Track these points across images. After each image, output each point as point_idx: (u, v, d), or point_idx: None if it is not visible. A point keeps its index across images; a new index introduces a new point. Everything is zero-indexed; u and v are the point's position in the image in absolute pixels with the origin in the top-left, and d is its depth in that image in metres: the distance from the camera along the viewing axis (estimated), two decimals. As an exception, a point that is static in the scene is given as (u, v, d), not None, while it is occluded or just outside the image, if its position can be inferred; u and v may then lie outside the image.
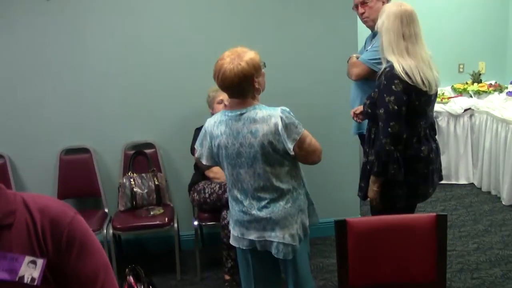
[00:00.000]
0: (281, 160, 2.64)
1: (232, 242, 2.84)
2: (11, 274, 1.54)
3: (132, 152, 4.18)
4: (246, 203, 2.68)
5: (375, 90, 2.87)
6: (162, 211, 3.95)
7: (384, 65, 2.86)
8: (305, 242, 2.84)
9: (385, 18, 2.81)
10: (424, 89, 2.75)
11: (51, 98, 4.08)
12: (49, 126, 4.11)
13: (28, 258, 1.57)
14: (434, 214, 2.29)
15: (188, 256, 4.18)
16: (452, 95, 5.76)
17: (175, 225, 3.91)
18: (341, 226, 2.29)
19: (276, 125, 2.55)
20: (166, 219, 3.86)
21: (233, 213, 2.76)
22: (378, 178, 2.87)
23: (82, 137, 4.15)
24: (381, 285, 2.31)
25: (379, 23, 2.87)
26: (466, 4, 5.96)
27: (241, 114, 2.59)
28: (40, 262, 1.57)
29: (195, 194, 3.86)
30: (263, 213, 2.65)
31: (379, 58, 3.34)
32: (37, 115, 4.09)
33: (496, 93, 5.68)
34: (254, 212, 2.66)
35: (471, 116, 5.50)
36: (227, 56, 2.56)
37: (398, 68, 2.71)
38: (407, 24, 2.77)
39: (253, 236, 2.70)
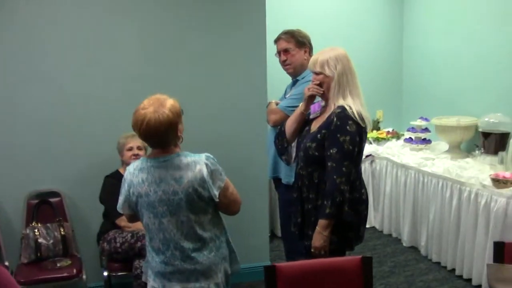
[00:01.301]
0: (205, 208, 2.60)
1: None
2: None
3: (36, 201, 3.95)
4: (168, 253, 2.58)
5: (322, 132, 2.81)
6: (69, 262, 3.74)
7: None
8: None
9: (336, 61, 2.80)
10: (368, 130, 2.83)
11: None
12: None
13: None
14: (360, 257, 2.36)
15: (96, 308, 3.98)
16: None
17: (84, 276, 3.72)
18: (270, 271, 2.29)
19: (201, 171, 2.52)
20: (75, 270, 3.66)
21: (153, 264, 2.64)
22: (330, 221, 2.73)
23: (-19, 184, 3.89)
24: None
25: (329, 69, 2.81)
26: (365, 56, 6.31)
27: (164, 161, 2.54)
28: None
29: (105, 243, 3.72)
30: (187, 264, 2.58)
31: (297, 106, 3.45)
32: None
33: (394, 139, 6.01)
34: (177, 262, 2.58)
35: (371, 162, 5.75)
36: (149, 105, 2.48)
37: (349, 110, 2.73)
38: (352, 63, 2.85)
39: (176, 287, 2.62)
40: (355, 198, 2.85)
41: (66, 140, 3.99)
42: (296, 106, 3.45)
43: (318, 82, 2.87)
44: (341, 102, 2.79)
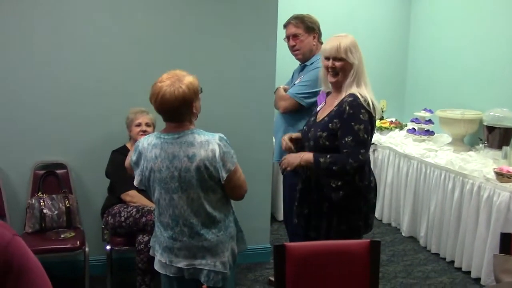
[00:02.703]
0: (215, 187, 2.62)
1: (158, 268, 2.75)
2: None
3: (42, 172, 3.97)
4: (177, 229, 2.62)
5: (334, 121, 2.78)
6: (73, 234, 3.76)
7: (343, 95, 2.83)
8: (233, 270, 2.83)
9: (357, 49, 2.81)
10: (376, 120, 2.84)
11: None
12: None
13: None
14: (368, 240, 2.38)
15: (97, 282, 3.99)
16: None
17: (87, 249, 3.74)
18: (279, 251, 2.31)
19: (213, 151, 2.53)
20: (78, 242, 3.68)
21: (161, 239, 2.68)
22: (313, 165, 2.79)
23: (-12, 154, 3.89)
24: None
25: (354, 56, 2.80)
26: (369, 46, 6.29)
27: (178, 138, 2.56)
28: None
29: (110, 217, 3.74)
30: (195, 240, 2.62)
31: (308, 93, 3.47)
32: None
33: (396, 130, 6.02)
34: (185, 238, 2.62)
35: (374, 151, 5.77)
36: (167, 79, 2.52)
37: (361, 99, 2.73)
38: None
39: (182, 263, 2.64)
40: (363, 186, 2.86)
41: (75, 113, 3.99)
42: (307, 93, 3.47)
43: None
44: (354, 90, 2.78)
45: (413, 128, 5.67)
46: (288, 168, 2.94)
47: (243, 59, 4.21)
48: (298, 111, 3.55)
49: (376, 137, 5.85)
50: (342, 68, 2.82)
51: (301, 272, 2.32)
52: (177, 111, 2.53)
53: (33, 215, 3.77)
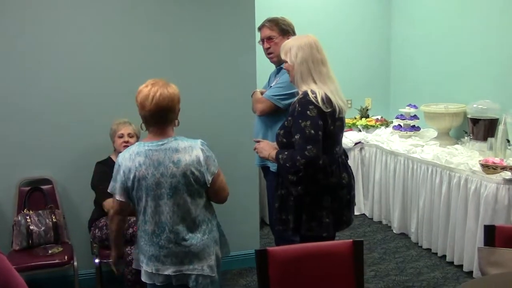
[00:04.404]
0: (201, 191, 2.68)
1: (145, 279, 2.74)
2: None
3: (27, 188, 3.95)
4: (163, 236, 2.64)
5: (288, 119, 2.87)
6: (60, 249, 3.75)
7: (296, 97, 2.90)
8: (219, 274, 2.84)
9: (297, 49, 2.85)
10: (339, 114, 2.85)
11: None
12: None
13: None
14: (351, 240, 2.38)
15: (88, 294, 3.98)
16: (343, 130, 6.02)
17: (75, 263, 3.72)
18: (262, 255, 2.30)
19: (197, 156, 2.62)
20: (66, 257, 3.67)
21: (146, 248, 2.69)
22: (274, 157, 2.91)
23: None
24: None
25: (290, 57, 2.88)
26: (353, 43, 6.33)
27: (162, 145, 2.61)
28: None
29: (97, 230, 3.73)
30: (182, 247, 2.64)
31: (284, 94, 3.47)
32: None
33: (382, 127, 6.04)
34: (171, 245, 2.63)
35: (361, 149, 5.79)
36: (155, 83, 2.63)
37: (311, 95, 2.76)
38: (319, 51, 2.87)
39: (169, 270, 2.66)
40: (332, 184, 2.90)
41: (58, 128, 3.98)
42: (283, 95, 3.48)
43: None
44: (304, 88, 2.84)
45: (399, 125, 5.68)
46: (259, 155, 3.12)
47: (222, 63, 4.22)
48: (275, 113, 3.55)
49: (363, 136, 5.86)
50: (286, 68, 2.96)
51: (285, 276, 2.32)
52: (169, 112, 2.63)
53: (20, 232, 3.75)
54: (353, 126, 6.11)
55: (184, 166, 2.58)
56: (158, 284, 2.70)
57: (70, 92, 3.96)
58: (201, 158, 2.63)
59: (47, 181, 4.00)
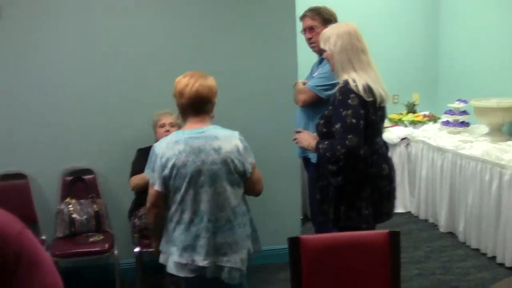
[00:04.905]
0: (239, 182, 2.66)
1: (176, 272, 2.66)
2: (-50, 290, 1.42)
3: (70, 178, 4.03)
4: (200, 225, 2.59)
5: (329, 108, 2.83)
6: (101, 237, 3.81)
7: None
8: (248, 270, 2.81)
9: (336, 38, 2.80)
10: (380, 103, 2.79)
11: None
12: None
13: None
14: (387, 231, 2.30)
15: (128, 284, 4.02)
16: (388, 125, 5.90)
17: (115, 251, 3.77)
18: (294, 243, 2.25)
19: (237, 145, 2.62)
20: (106, 245, 3.73)
21: (181, 238, 2.62)
22: (314, 147, 2.88)
23: (18, 162, 3.98)
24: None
25: (329, 45, 2.84)
26: (400, 39, 6.19)
27: (202, 132, 2.60)
28: (-19, 279, 1.46)
29: (136, 219, 3.76)
30: (218, 237, 2.61)
31: (326, 85, 3.42)
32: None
33: (430, 123, 5.87)
34: (209, 235, 2.59)
35: (407, 145, 5.64)
36: (193, 74, 2.64)
37: (352, 84, 2.71)
38: (359, 39, 2.82)
39: (203, 262, 2.60)
40: (372, 174, 2.84)
41: (100, 120, 4.06)
42: (325, 85, 3.43)
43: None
44: (345, 76, 2.79)
45: (447, 121, 5.50)
46: (298, 145, 3.10)
47: (263, 54, 4.19)
48: (317, 104, 3.49)
49: (409, 131, 5.71)
50: (326, 57, 2.93)
51: (318, 265, 2.27)
52: (208, 103, 2.64)
53: (63, 220, 3.83)
54: (399, 122, 5.96)
55: (224, 153, 2.57)
56: (191, 275, 2.63)
57: (113, 84, 4.03)
58: (240, 148, 2.62)
59: (89, 171, 4.07)
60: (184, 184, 2.57)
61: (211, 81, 2.65)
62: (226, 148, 2.58)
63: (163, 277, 3.62)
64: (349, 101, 2.70)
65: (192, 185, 2.56)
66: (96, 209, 3.91)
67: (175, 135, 2.64)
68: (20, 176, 3.97)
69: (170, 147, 2.58)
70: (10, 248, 1.49)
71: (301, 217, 4.90)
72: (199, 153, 2.55)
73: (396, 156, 5.60)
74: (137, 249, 3.78)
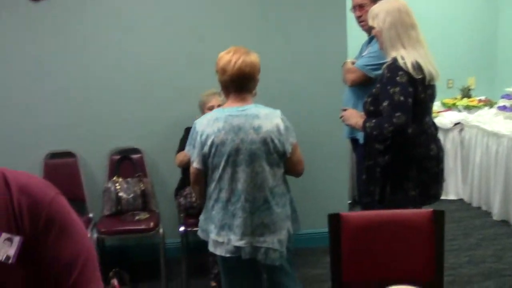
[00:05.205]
0: (279, 162, 2.61)
1: (213, 250, 2.67)
2: (-14, 251, 1.45)
3: (118, 157, 4.08)
4: (238, 205, 2.56)
5: (377, 86, 2.77)
6: (147, 216, 3.85)
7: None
8: (290, 250, 2.77)
9: (385, 14, 2.73)
10: (429, 81, 2.71)
11: (37, 102, 4.00)
12: (35, 130, 4.02)
13: (4, 235, 1.48)
14: (431, 210, 2.22)
15: (173, 263, 4.05)
16: (441, 110, 5.74)
17: (161, 230, 3.80)
18: (334, 220, 2.21)
19: (278, 125, 2.55)
20: (152, 224, 3.75)
21: (219, 217, 2.61)
22: (360, 127, 2.84)
23: (68, 141, 4.06)
24: (376, 282, 2.21)
25: (378, 22, 2.77)
26: (456, 20, 5.99)
27: (243, 110, 2.56)
28: (16, 239, 1.48)
29: (182, 198, 3.77)
30: (255, 217, 2.57)
31: (375, 64, 3.33)
32: (23, 118, 4.01)
33: (486, 108, 5.67)
34: (246, 215, 2.56)
35: (461, 130, 5.47)
36: (237, 50, 2.58)
37: (400, 61, 2.64)
38: (409, 15, 2.74)
39: (239, 242, 2.58)
40: (419, 154, 2.77)
41: (148, 99, 4.09)
42: (375, 64, 3.34)
43: None
44: (394, 54, 2.71)
45: (504, 105, 5.30)
46: (345, 123, 3.05)
47: (311, 32, 4.12)
48: (366, 84, 3.41)
49: (463, 116, 5.53)
50: (375, 34, 2.86)
51: (358, 242, 2.21)
52: (250, 80, 2.58)
53: (110, 198, 3.89)
54: (453, 107, 5.78)
55: (264, 133, 2.51)
56: (227, 255, 2.61)
57: (159, 66, 4.05)
58: (281, 127, 2.56)
59: (136, 151, 4.11)
60: (222, 163, 2.54)
61: (254, 58, 2.58)
62: (266, 127, 2.52)
63: (208, 257, 3.64)
64: (398, 78, 2.63)
65: (230, 164, 2.53)
66: (143, 188, 3.95)
67: (215, 112, 2.62)
68: (69, 154, 4.05)
69: (210, 125, 2.56)
70: (43, 213, 1.52)
71: (350, 201, 4.83)
72: (238, 131, 2.52)
73: (449, 142, 5.45)
74: (182, 228, 3.80)
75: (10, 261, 1.47)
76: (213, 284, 3.66)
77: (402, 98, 2.60)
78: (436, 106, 5.79)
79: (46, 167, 4.01)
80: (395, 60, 2.68)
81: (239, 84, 2.58)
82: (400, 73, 2.63)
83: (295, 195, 2.82)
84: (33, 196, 1.53)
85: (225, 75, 2.56)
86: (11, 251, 1.48)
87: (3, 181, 1.55)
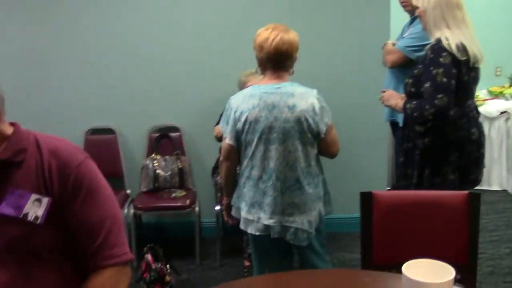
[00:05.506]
0: (312, 141, 2.57)
1: (243, 227, 2.67)
2: (16, 210, 1.50)
3: (157, 134, 4.13)
4: (269, 183, 2.55)
5: (419, 67, 2.71)
6: (184, 193, 3.90)
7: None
8: (322, 232, 2.75)
9: None
10: (474, 64, 2.64)
11: (79, 79, 4.08)
12: (76, 106, 4.12)
13: (34, 196, 1.52)
14: (467, 192, 2.16)
15: (208, 242, 4.09)
16: (487, 98, 5.59)
17: (197, 208, 3.84)
18: (366, 199, 2.17)
19: (313, 104, 2.51)
20: (188, 201, 3.79)
21: (250, 194, 2.61)
22: (401, 108, 2.80)
23: (108, 118, 4.14)
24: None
25: (422, 1, 2.71)
26: (505, 7, 5.80)
27: (278, 88, 2.53)
28: (45, 200, 1.52)
29: (218, 177, 3.78)
30: (286, 196, 2.55)
31: (417, 46, 3.27)
32: (65, 95, 4.11)
33: (536, 96, 5.49)
34: (276, 194, 2.55)
35: (507, 119, 5.31)
36: (276, 27, 2.55)
37: (445, 42, 2.58)
38: None
39: (269, 221, 2.56)
40: (460, 138, 2.70)
41: (187, 77, 4.11)
42: (416, 46, 3.27)
43: None
44: (438, 34, 2.64)
45: (554, 94, 5.13)
46: (384, 104, 3.02)
47: (353, 13, 4.07)
48: (407, 66, 3.34)
49: (510, 105, 5.37)
50: (419, 14, 2.79)
51: (390, 222, 2.17)
52: (288, 57, 2.55)
53: (148, 175, 3.94)
54: (500, 95, 5.61)
55: (299, 111, 2.48)
56: (256, 233, 2.61)
57: (198, 45, 4.06)
58: (316, 107, 2.51)
59: (175, 129, 4.15)
60: (255, 140, 2.53)
61: (293, 36, 2.54)
62: (301, 106, 2.49)
63: (242, 237, 3.65)
64: (441, 59, 2.57)
65: (263, 141, 2.52)
66: (180, 166, 3.98)
67: (251, 89, 2.60)
68: (109, 131, 4.12)
69: (245, 101, 2.54)
70: (71, 175, 1.56)
71: (388, 188, 4.75)
72: (273, 109, 2.49)
73: (494, 131, 5.30)
74: (218, 207, 3.82)
75: (38, 221, 1.51)
76: (247, 263, 3.67)
77: (445, 80, 2.54)
78: (483, 94, 5.65)
79: (86, 143, 4.10)
80: (439, 41, 2.61)
81: (276, 61, 2.55)
82: (444, 54, 2.57)
83: (332, 179, 2.80)
84: (62, 158, 1.57)
85: (262, 52, 2.54)
86: (40, 211, 1.52)
87: (35, 145, 1.59)
